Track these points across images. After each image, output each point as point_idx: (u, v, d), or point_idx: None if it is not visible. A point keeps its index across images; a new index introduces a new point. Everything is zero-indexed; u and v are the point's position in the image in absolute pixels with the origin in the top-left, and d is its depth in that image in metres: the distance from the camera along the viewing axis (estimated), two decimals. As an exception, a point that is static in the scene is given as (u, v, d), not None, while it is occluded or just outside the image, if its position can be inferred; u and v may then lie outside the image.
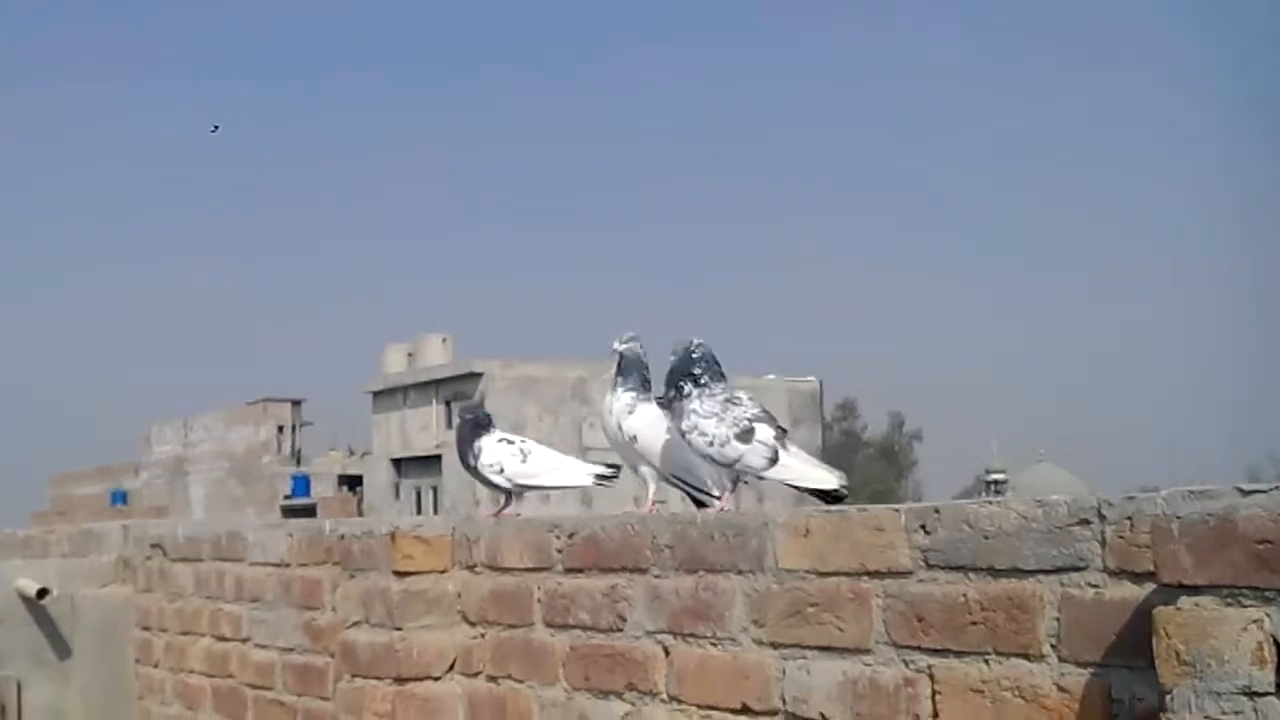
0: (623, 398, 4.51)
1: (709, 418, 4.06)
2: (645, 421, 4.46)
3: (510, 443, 5.10)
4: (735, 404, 4.09)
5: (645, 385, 4.53)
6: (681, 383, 4.14)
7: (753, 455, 4.04)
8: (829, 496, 4.08)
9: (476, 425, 5.12)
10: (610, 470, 5.05)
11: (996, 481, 64.80)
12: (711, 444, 4.05)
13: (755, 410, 4.11)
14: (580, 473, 5.14)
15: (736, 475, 4.15)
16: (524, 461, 5.05)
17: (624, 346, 4.55)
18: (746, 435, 4.03)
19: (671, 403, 4.18)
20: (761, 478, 4.13)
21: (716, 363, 4.19)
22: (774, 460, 4.05)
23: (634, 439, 4.46)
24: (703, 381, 4.13)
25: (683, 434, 4.13)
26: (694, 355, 4.18)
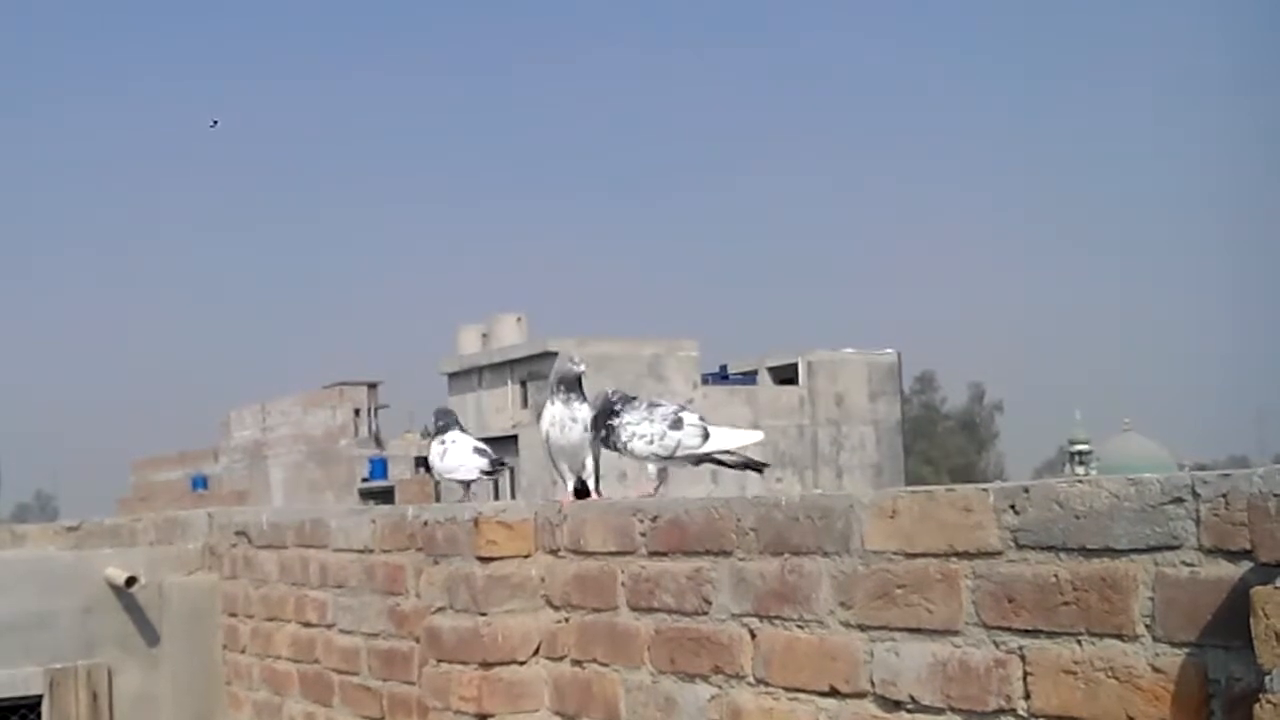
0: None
1: (640, 423, 4.62)
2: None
3: (441, 442, 5.87)
4: (657, 405, 4.70)
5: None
6: (609, 419, 4.69)
7: (688, 437, 4.57)
8: (757, 468, 4.96)
9: (440, 428, 5.96)
10: (494, 467, 5.86)
11: (1081, 453, 64.10)
12: (651, 442, 4.58)
13: (676, 406, 4.72)
14: (473, 468, 5.79)
15: (667, 463, 4.66)
16: (442, 459, 5.85)
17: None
18: (677, 424, 4.58)
19: (607, 437, 4.71)
20: (707, 456, 4.65)
21: (633, 398, 4.77)
22: (707, 436, 4.59)
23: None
24: (619, 409, 4.70)
25: (625, 447, 4.63)
26: (612, 398, 4.74)
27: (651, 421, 4.62)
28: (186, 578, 7.39)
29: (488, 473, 5.87)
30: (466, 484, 5.89)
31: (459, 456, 5.88)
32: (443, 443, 5.94)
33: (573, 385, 4.80)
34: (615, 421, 4.66)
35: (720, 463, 4.78)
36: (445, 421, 6.05)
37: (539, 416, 4.91)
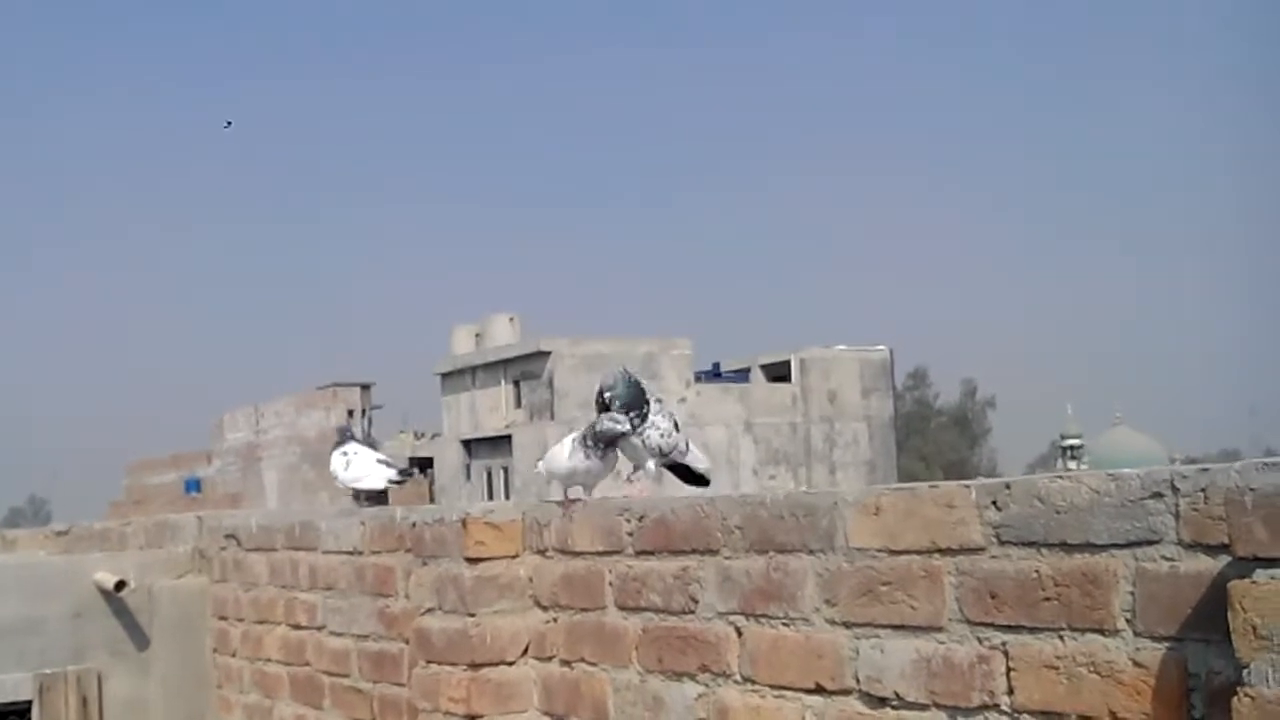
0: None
1: (657, 414, 4.75)
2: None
3: (344, 454, 6.33)
4: (661, 401, 4.90)
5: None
6: (644, 404, 4.74)
7: (681, 442, 4.80)
8: (698, 481, 5.02)
9: (339, 441, 6.48)
10: (402, 476, 6.42)
11: (1073, 447, 64.27)
12: (664, 436, 4.73)
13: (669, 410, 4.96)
14: (380, 477, 6.27)
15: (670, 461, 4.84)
16: (346, 469, 6.29)
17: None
18: (677, 427, 4.81)
19: (644, 416, 4.74)
20: (683, 463, 4.85)
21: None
22: (688, 448, 4.87)
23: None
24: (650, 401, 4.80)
25: (644, 433, 4.71)
26: (642, 385, 4.83)
27: (664, 417, 4.71)
28: (176, 581, 7.39)
29: (396, 482, 6.30)
30: (373, 493, 6.36)
31: (363, 467, 6.31)
32: (345, 454, 6.37)
33: (612, 442, 4.69)
34: (649, 414, 4.71)
35: (687, 472, 4.86)
36: (343, 436, 6.61)
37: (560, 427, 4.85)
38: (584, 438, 4.70)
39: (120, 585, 7.01)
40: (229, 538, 7.14)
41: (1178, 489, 2.66)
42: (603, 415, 4.71)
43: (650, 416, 4.70)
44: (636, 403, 4.70)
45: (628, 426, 4.66)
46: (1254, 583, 2.33)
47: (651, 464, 4.71)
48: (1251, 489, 2.33)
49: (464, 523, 4.67)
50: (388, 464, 6.39)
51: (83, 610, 7.05)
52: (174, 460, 61.07)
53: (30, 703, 6.78)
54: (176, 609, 7.31)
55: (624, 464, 4.87)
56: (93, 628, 7.07)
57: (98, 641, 7.07)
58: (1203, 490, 2.61)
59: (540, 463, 4.96)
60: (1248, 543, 2.34)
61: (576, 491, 4.77)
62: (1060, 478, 2.93)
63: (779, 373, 50.52)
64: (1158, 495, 2.70)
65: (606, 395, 4.68)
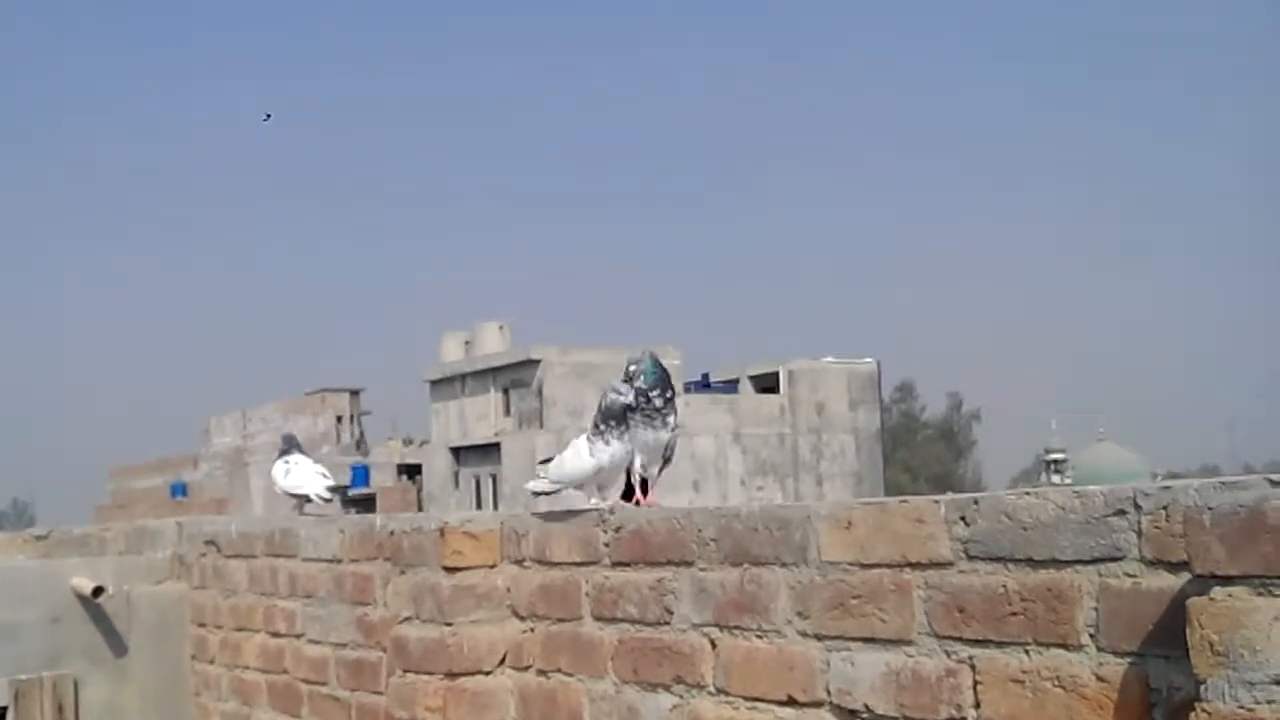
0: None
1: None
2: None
3: (286, 462, 6.95)
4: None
5: None
6: (669, 388, 4.54)
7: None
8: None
9: (284, 450, 7.06)
10: (331, 494, 6.95)
11: (1056, 461, 64.36)
12: (677, 431, 4.58)
13: None
14: (318, 485, 6.86)
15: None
16: (285, 477, 6.90)
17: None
18: None
19: (668, 402, 4.53)
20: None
21: None
22: None
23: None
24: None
25: (673, 430, 4.55)
26: (669, 372, 4.59)
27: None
28: (155, 587, 7.37)
29: (325, 499, 6.81)
30: (308, 499, 6.80)
31: (301, 476, 6.89)
32: (286, 463, 6.98)
33: (621, 418, 4.48)
34: (674, 405, 4.53)
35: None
36: (288, 445, 7.17)
37: (589, 443, 4.53)
38: (594, 426, 4.50)
39: (98, 591, 7.00)
40: (209, 544, 7.13)
41: (1140, 507, 2.70)
42: (606, 391, 4.52)
43: (674, 417, 4.52)
44: (663, 385, 4.48)
45: (631, 396, 4.44)
46: (1211, 600, 2.35)
47: (654, 469, 4.57)
48: (1210, 508, 2.36)
49: (442, 532, 4.68)
50: (325, 476, 6.92)
51: (60, 616, 7.02)
52: (160, 464, 60.95)
53: (5, 709, 6.74)
54: (155, 615, 7.29)
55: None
56: (70, 633, 7.04)
57: (75, 648, 7.04)
58: (1164, 508, 2.65)
59: (538, 482, 4.78)
60: (1206, 560, 2.37)
61: (607, 492, 4.58)
62: (1027, 494, 2.96)
63: (767, 384, 50.51)
64: (1121, 513, 2.74)
65: (631, 369, 4.46)
